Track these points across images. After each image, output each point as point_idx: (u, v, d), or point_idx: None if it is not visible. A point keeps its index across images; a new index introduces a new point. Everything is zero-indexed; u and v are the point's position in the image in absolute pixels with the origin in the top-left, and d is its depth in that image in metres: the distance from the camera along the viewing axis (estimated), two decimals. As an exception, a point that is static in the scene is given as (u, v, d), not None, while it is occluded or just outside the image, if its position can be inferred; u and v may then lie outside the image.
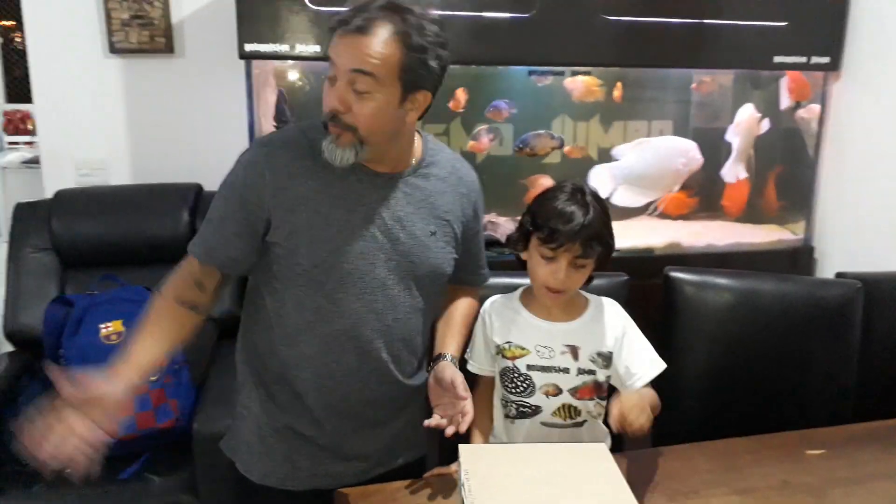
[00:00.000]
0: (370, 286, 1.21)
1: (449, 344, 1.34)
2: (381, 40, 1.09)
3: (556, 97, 2.45)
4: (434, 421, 1.19)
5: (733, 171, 2.52)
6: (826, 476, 1.29)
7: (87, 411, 1.08)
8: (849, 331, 1.63)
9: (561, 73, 2.40)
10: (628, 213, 2.53)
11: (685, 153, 2.48)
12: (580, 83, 2.39)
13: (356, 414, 1.28)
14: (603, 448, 1.19)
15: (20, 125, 5.77)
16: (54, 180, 2.36)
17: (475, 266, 1.42)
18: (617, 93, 2.42)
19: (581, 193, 1.29)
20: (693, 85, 2.52)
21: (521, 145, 2.46)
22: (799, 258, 2.38)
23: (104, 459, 1.60)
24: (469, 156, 2.42)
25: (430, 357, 1.34)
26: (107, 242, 2.17)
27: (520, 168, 2.48)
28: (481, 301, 1.45)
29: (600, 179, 2.48)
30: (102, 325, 1.88)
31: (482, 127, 2.41)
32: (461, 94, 2.34)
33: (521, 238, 1.35)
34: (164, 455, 1.84)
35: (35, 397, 1.87)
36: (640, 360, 1.35)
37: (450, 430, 1.17)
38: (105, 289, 2.02)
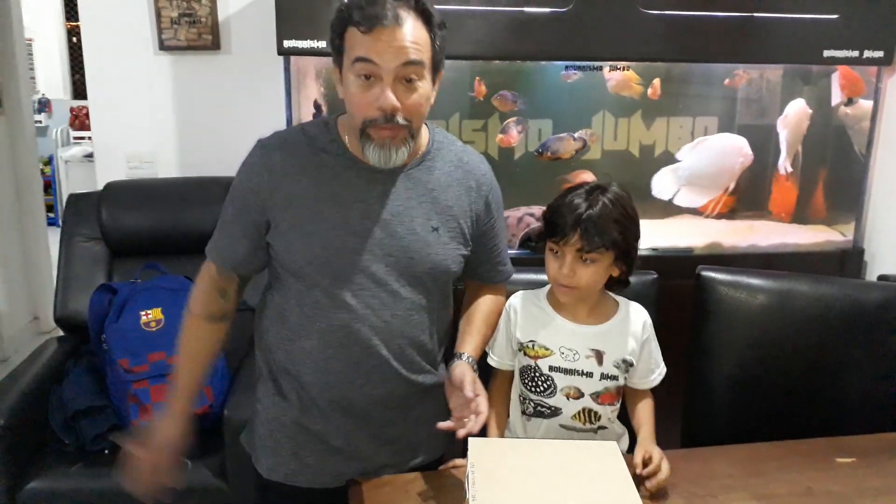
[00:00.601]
0: (367, 283, 1.20)
1: (467, 343, 1.31)
2: (414, 26, 1.10)
3: (596, 93, 2.42)
4: (446, 424, 1.16)
5: (781, 165, 2.44)
6: (854, 485, 1.24)
7: (159, 458, 1.29)
8: (889, 336, 1.56)
9: (599, 69, 2.37)
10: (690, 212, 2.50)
11: (739, 150, 2.42)
12: (618, 75, 2.34)
13: (361, 412, 1.26)
14: (614, 446, 1.17)
15: (85, 121, 6.05)
16: (106, 173, 2.46)
17: (493, 262, 1.37)
18: (651, 90, 2.37)
19: (599, 191, 1.27)
20: (726, 81, 2.45)
21: (541, 150, 2.41)
22: (847, 260, 2.28)
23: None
24: (500, 149, 2.41)
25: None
26: (152, 232, 2.25)
27: (561, 164, 2.45)
28: (508, 295, 1.42)
29: (664, 182, 2.46)
30: (143, 312, 1.95)
31: (511, 119, 2.39)
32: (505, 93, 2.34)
33: (540, 238, 1.34)
34: (197, 440, 1.87)
35: (77, 381, 1.97)
36: (653, 363, 1.37)
37: (461, 433, 1.14)
38: (148, 277, 2.10)
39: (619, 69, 2.35)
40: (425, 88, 1.14)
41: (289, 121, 2.09)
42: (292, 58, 2.08)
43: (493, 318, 1.39)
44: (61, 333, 2.24)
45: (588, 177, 2.35)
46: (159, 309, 1.97)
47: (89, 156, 5.28)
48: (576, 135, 2.41)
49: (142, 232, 2.25)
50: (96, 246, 2.27)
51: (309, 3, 1.94)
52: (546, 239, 1.31)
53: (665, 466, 1.20)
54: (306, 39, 1.96)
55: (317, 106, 2.24)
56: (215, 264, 1.29)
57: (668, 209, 2.54)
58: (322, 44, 1.96)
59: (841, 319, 1.56)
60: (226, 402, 1.89)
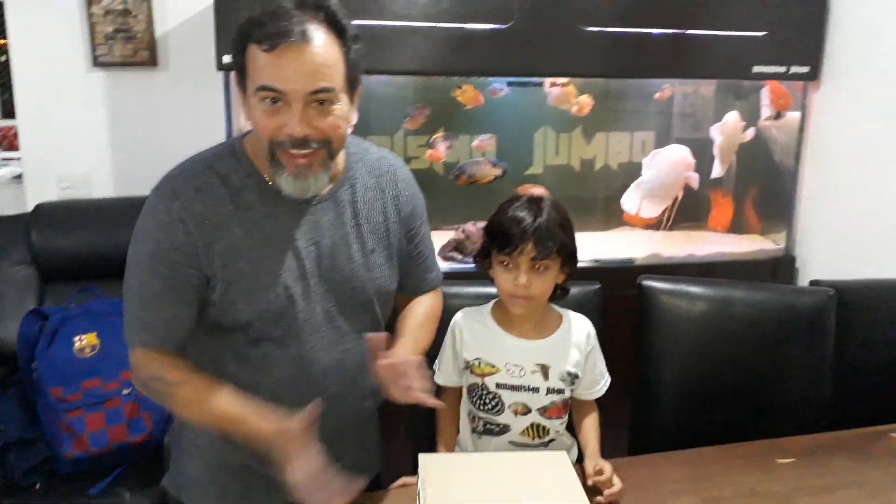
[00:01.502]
0: (315, 324, 1.13)
1: (400, 346, 1.18)
2: (324, 43, 0.99)
3: (538, 109, 2.45)
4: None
5: (714, 171, 2.52)
6: (794, 485, 1.27)
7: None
8: (822, 339, 1.61)
9: (541, 84, 2.41)
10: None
11: (684, 160, 2.50)
12: (557, 90, 2.39)
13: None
14: (563, 456, 1.18)
15: (14, 141, 5.81)
16: (37, 194, 2.36)
17: (421, 271, 1.30)
18: (577, 108, 2.42)
19: (536, 201, 1.29)
20: (657, 94, 2.52)
21: (458, 174, 2.39)
22: (780, 268, 2.37)
23: (75, 475, 1.57)
24: (428, 165, 2.42)
25: None
26: (86, 255, 2.16)
27: (503, 180, 2.48)
28: (451, 311, 1.40)
29: (629, 197, 2.53)
30: (76, 338, 1.87)
31: (438, 135, 2.39)
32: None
33: (484, 253, 1.34)
34: (137, 469, 1.82)
35: (6, 412, 1.87)
36: (598, 374, 1.39)
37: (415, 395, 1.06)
38: (82, 301, 2.02)
39: (560, 84, 2.39)
40: (342, 109, 1.04)
41: (228, 135, 2.06)
42: (231, 73, 2.04)
43: (431, 319, 1.31)
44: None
45: (539, 190, 2.37)
46: (94, 334, 1.89)
47: (17, 177, 5.07)
48: (499, 161, 2.40)
49: (75, 254, 2.16)
50: (25, 270, 2.16)
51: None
52: (493, 253, 1.31)
53: (617, 481, 1.21)
54: (246, 55, 1.93)
55: None
56: (154, 350, 1.10)
57: (608, 221, 2.59)
58: (262, 60, 1.94)
59: (777, 324, 1.61)
60: (166, 429, 1.82)
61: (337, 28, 1.01)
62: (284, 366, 1.13)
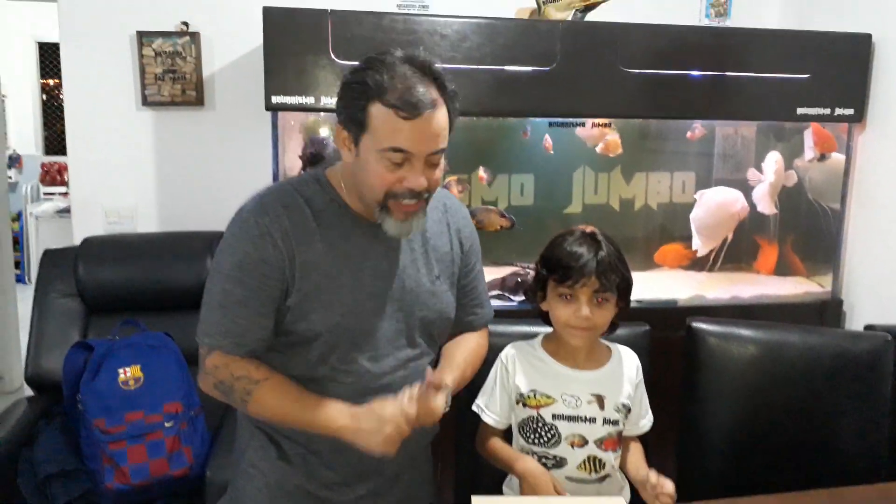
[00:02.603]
0: (381, 341, 1.19)
1: (444, 373, 1.24)
2: (443, 115, 1.10)
3: (576, 148, 2.46)
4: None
5: (766, 204, 2.48)
6: (858, 537, 1.23)
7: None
8: (879, 385, 1.57)
9: (582, 125, 2.42)
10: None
11: (735, 203, 2.47)
12: (596, 132, 2.39)
13: (373, 471, 1.24)
14: (621, 501, 1.15)
15: (56, 177, 5.99)
16: (84, 228, 2.41)
17: (472, 305, 1.36)
18: (603, 146, 2.42)
19: (591, 236, 1.32)
20: (688, 134, 2.52)
21: None
22: (827, 311, 2.31)
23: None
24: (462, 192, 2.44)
25: None
26: (130, 288, 2.20)
27: (541, 219, 2.48)
28: (498, 348, 1.41)
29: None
30: (121, 370, 1.89)
31: (451, 178, 2.41)
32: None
33: (537, 287, 1.35)
34: (178, 503, 1.81)
35: (49, 442, 1.88)
36: (644, 408, 1.41)
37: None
38: (126, 334, 2.04)
39: (600, 125, 2.40)
40: (443, 162, 1.16)
41: (275, 174, 2.09)
42: (279, 113, 2.09)
43: (475, 358, 1.34)
44: (27, 393, 2.15)
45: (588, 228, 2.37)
46: (138, 366, 1.90)
47: (61, 211, 5.20)
48: (506, 212, 2.40)
49: (120, 287, 2.20)
50: (71, 302, 2.20)
51: (297, 60, 1.96)
52: (551, 286, 1.32)
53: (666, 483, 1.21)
54: (294, 95, 1.98)
55: (307, 157, 2.24)
56: (225, 353, 1.16)
57: (649, 261, 2.57)
58: (310, 100, 1.98)
59: (832, 369, 1.58)
60: (206, 462, 1.82)
61: (450, 96, 1.12)
62: (351, 382, 1.17)
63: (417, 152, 1.09)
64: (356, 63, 1.15)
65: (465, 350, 1.33)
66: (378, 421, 1.09)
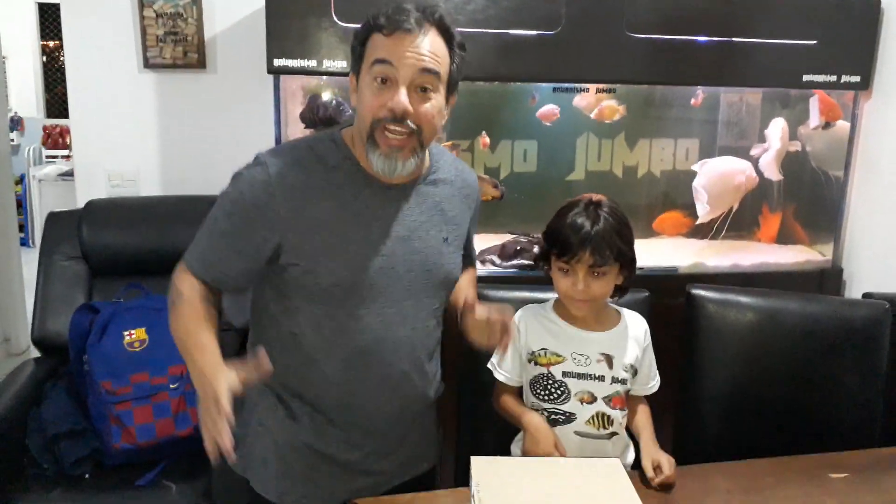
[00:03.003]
0: (390, 299, 1.21)
1: (465, 293, 1.34)
2: (434, 40, 1.12)
3: (580, 115, 2.45)
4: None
5: (773, 171, 2.47)
6: (848, 500, 1.25)
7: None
8: (876, 352, 1.59)
9: (586, 90, 2.41)
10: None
11: (742, 172, 2.45)
12: (595, 103, 2.38)
13: (379, 429, 1.27)
14: (617, 464, 1.17)
15: (59, 140, 5.96)
16: (87, 191, 2.41)
17: (467, 259, 1.43)
18: (597, 112, 2.41)
19: (595, 206, 1.32)
20: (692, 100, 2.50)
21: None
22: (827, 279, 2.32)
23: (123, 466, 1.62)
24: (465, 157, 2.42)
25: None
26: (134, 251, 2.21)
27: (543, 186, 2.48)
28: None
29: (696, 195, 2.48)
30: (126, 332, 1.91)
31: (447, 144, 2.38)
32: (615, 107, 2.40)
33: (543, 256, 1.39)
34: (183, 463, 1.85)
35: (57, 403, 1.91)
36: (653, 371, 1.44)
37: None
38: (131, 297, 2.06)
39: (601, 91, 2.39)
40: (439, 101, 1.15)
41: (278, 138, 2.09)
42: (281, 77, 2.08)
43: (475, 283, 1.45)
44: (33, 355, 2.17)
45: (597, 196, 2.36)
46: (143, 329, 1.93)
47: (64, 174, 5.19)
48: (498, 183, 2.39)
49: (124, 251, 2.21)
50: (76, 265, 2.21)
51: (299, 23, 1.95)
52: (552, 258, 1.36)
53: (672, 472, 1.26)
54: (296, 58, 1.97)
55: (306, 119, 2.23)
56: (197, 276, 1.21)
57: (649, 230, 2.57)
58: (312, 63, 1.97)
59: (829, 336, 1.59)
60: (212, 423, 1.85)
61: (446, 33, 1.15)
62: (358, 335, 1.20)
63: (399, 66, 1.10)
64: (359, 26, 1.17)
65: (469, 277, 1.43)
66: (203, 392, 1.07)
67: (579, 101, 2.41)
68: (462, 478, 1.21)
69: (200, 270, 1.21)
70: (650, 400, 1.47)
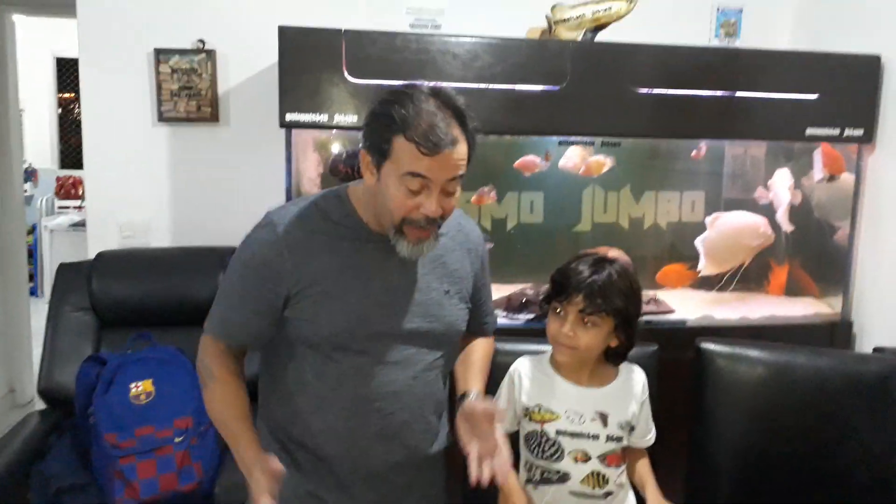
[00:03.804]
0: (389, 349, 1.23)
1: (472, 382, 1.34)
2: (462, 149, 1.15)
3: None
4: (476, 475, 1.14)
5: (785, 223, 2.47)
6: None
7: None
8: (889, 408, 1.56)
9: (591, 144, 2.44)
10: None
11: (755, 228, 2.46)
12: (577, 160, 2.42)
13: (382, 479, 1.27)
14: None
15: (71, 190, 6.05)
16: (99, 242, 2.44)
17: (483, 315, 1.43)
18: (584, 169, 2.43)
19: (602, 261, 1.33)
20: (693, 153, 2.53)
21: None
22: (837, 332, 2.30)
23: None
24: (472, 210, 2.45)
25: (453, 401, 1.33)
26: (143, 302, 2.22)
27: (550, 237, 2.49)
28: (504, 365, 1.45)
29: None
30: (133, 385, 1.90)
31: (485, 187, 2.44)
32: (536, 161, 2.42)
33: (546, 299, 1.40)
34: (186, 519, 1.82)
35: (61, 456, 1.90)
36: (650, 424, 1.42)
37: (486, 475, 1.13)
38: (138, 348, 2.06)
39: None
40: (459, 190, 1.20)
41: (289, 191, 2.11)
42: (293, 130, 2.11)
43: (488, 362, 1.43)
44: (38, 406, 2.17)
45: (614, 253, 2.36)
46: (150, 381, 1.92)
47: (76, 225, 5.25)
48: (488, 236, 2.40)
49: (133, 301, 2.22)
50: (85, 316, 2.22)
51: (311, 78, 1.99)
52: (550, 300, 1.37)
53: None
54: (308, 112, 2.00)
55: (339, 173, 2.27)
56: (222, 341, 1.27)
57: (654, 282, 2.57)
58: (324, 117, 2.00)
59: (840, 391, 1.58)
60: (216, 478, 1.83)
61: (471, 133, 1.17)
62: (359, 383, 1.21)
63: (436, 177, 1.14)
64: (370, 81, 1.19)
65: (483, 355, 1.41)
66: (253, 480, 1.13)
67: (565, 162, 2.43)
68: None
69: (225, 336, 1.27)
70: (659, 454, 1.45)
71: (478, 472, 1.14)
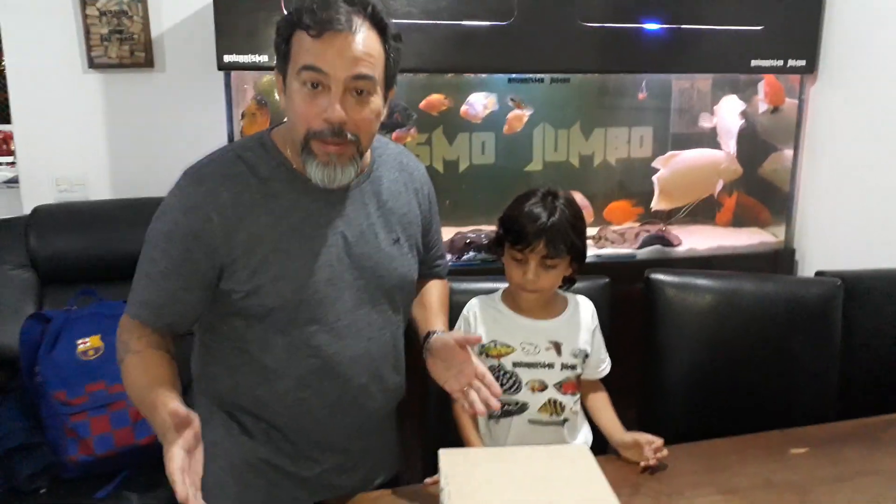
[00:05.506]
0: (341, 312, 1.14)
1: (434, 322, 1.27)
2: (367, 36, 1.01)
3: (536, 104, 2.45)
4: (470, 407, 1.10)
5: (727, 143, 2.50)
6: (810, 474, 1.28)
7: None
8: (830, 329, 1.63)
9: (541, 80, 2.42)
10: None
11: (717, 164, 2.50)
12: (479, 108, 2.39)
13: (338, 445, 1.22)
14: (584, 449, 1.18)
15: (2, 146, 5.76)
16: (33, 198, 2.33)
17: (434, 258, 1.38)
18: (507, 126, 2.41)
19: (552, 197, 1.33)
20: (640, 95, 2.54)
21: None
22: (780, 260, 2.38)
23: (81, 479, 1.54)
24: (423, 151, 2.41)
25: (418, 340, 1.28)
26: (85, 257, 2.14)
27: (502, 177, 2.48)
28: (460, 303, 1.45)
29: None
30: (80, 341, 1.85)
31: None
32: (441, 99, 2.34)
33: (497, 243, 1.39)
34: (143, 473, 1.80)
35: (9, 416, 1.85)
36: (603, 353, 1.46)
37: (479, 406, 1.09)
38: (84, 304, 1.99)
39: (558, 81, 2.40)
40: (376, 104, 1.06)
41: (230, 136, 2.05)
42: (232, 73, 2.03)
43: (446, 301, 1.39)
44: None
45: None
46: (98, 336, 1.87)
47: (8, 182, 5.02)
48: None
49: (74, 257, 2.14)
50: (25, 273, 2.14)
51: (249, 18, 1.91)
52: (506, 246, 1.36)
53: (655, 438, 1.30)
54: (246, 54, 1.93)
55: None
56: (146, 325, 1.10)
57: (603, 219, 2.60)
58: (263, 58, 1.93)
59: (784, 315, 1.63)
60: (173, 430, 1.81)
61: (380, 26, 1.04)
62: (310, 353, 1.13)
63: (331, 72, 1.00)
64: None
65: (439, 296, 1.37)
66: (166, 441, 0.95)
67: (467, 109, 2.37)
68: (431, 474, 1.20)
69: (150, 318, 1.10)
70: (612, 385, 1.48)
71: (469, 406, 1.09)
